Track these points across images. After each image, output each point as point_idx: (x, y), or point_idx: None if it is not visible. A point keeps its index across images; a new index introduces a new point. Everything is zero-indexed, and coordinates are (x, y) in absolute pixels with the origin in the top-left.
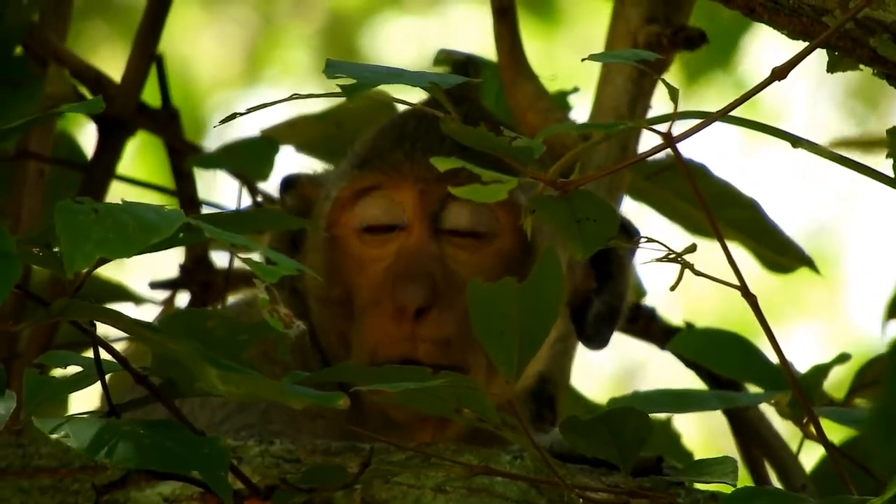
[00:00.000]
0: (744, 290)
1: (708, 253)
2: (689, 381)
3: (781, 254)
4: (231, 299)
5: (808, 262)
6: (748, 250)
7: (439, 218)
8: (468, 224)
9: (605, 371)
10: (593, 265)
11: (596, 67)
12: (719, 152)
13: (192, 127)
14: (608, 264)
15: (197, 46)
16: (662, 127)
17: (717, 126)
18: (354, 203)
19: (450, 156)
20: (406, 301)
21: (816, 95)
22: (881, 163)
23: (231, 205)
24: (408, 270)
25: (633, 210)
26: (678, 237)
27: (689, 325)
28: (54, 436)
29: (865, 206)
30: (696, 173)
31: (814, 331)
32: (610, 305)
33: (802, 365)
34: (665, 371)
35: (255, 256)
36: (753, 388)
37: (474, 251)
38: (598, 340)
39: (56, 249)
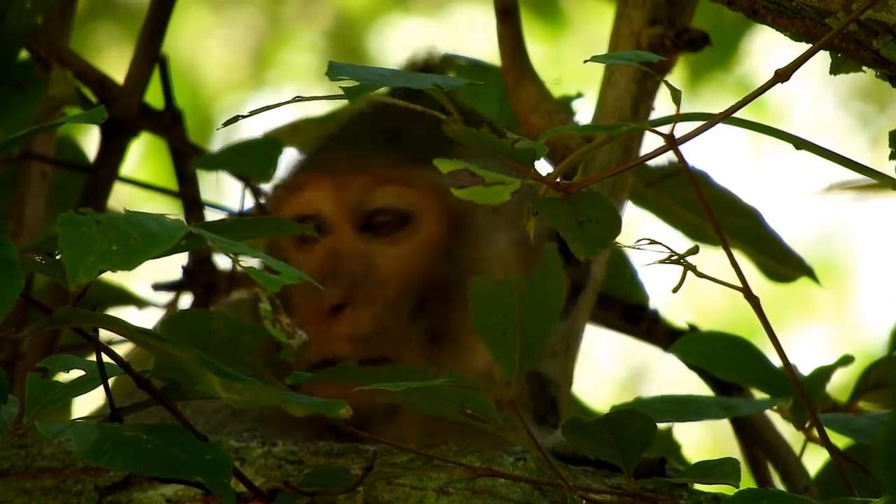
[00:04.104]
0: (746, 291)
1: (711, 259)
2: (695, 382)
3: (782, 263)
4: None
5: (808, 272)
6: (748, 258)
7: (361, 212)
8: (391, 215)
9: (609, 373)
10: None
11: (600, 70)
12: (725, 155)
13: (200, 129)
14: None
15: (204, 49)
16: (665, 129)
17: (722, 128)
18: (282, 207)
19: (375, 148)
20: (320, 300)
21: (822, 97)
22: (884, 164)
23: (235, 206)
24: (322, 269)
25: (635, 216)
26: (680, 243)
27: (693, 328)
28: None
29: (874, 209)
30: (697, 181)
31: (821, 334)
32: (573, 281)
33: (809, 369)
34: (671, 373)
35: (257, 264)
36: (757, 392)
37: (399, 242)
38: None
39: (59, 256)
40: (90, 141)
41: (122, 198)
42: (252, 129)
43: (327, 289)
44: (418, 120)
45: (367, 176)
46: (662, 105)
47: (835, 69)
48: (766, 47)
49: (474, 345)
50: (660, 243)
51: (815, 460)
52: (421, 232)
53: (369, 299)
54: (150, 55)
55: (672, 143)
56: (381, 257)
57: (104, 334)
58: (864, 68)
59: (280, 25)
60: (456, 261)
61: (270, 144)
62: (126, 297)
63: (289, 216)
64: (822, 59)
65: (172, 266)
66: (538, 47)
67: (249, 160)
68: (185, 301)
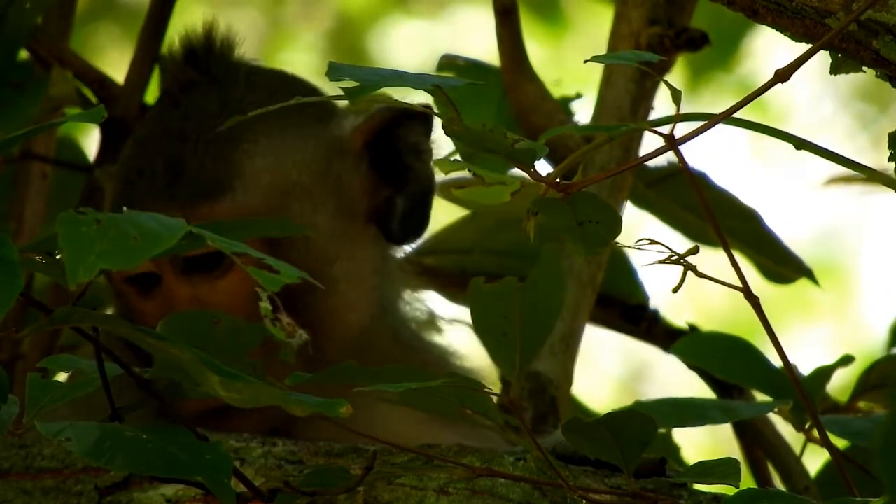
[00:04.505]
0: (746, 292)
1: (711, 260)
2: (695, 382)
3: (781, 264)
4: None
5: (807, 273)
6: (748, 260)
7: (176, 259)
8: (203, 252)
9: (609, 373)
10: (377, 170)
11: (600, 70)
12: (725, 155)
13: None
14: (397, 158)
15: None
16: (665, 129)
17: (722, 129)
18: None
19: (163, 194)
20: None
21: (823, 97)
22: (885, 164)
23: None
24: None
25: (635, 216)
26: (680, 244)
27: (693, 328)
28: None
29: (875, 208)
30: (697, 181)
31: (821, 335)
32: (415, 198)
33: (809, 369)
34: (671, 373)
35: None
36: (757, 393)
37: (222, 274)
38: (411, 235)
39: (59, 256)
40: (90, 141)
41: None
42: None
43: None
44: (192, 150)
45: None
46: (662, 105)
47: (835, 69)
48: (767, 47)
49: (339, 317)
50: (660, 243)
51: (815, 460)
52: (236, 267)
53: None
54: (150, 55)
55: (672, 143)
56: (209, 294)
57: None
58: (864, 68)
59: (280, 26)
60: (278, 251)
61: None
62: None
63: (125, 276)
64: (823, 59)
65: None
66: (538, 48)
67: None
68: None
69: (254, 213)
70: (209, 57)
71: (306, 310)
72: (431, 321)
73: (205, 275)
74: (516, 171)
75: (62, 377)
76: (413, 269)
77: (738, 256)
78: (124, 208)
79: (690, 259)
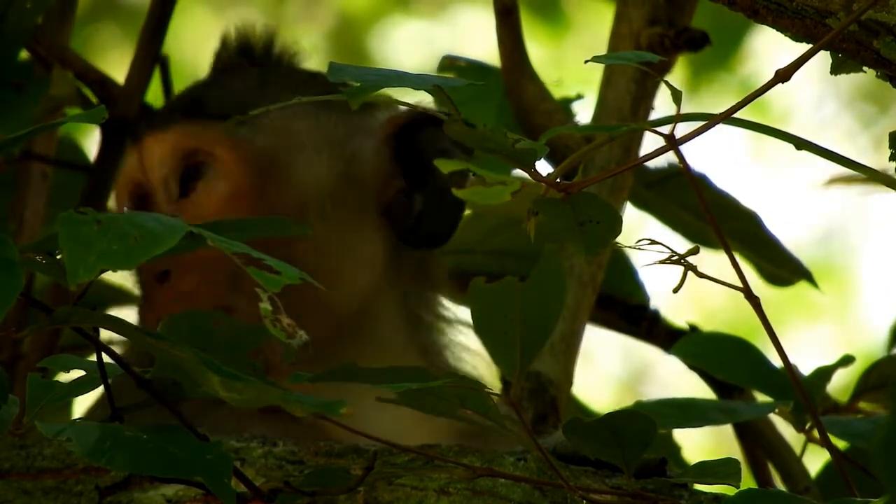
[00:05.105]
0: (747, 292)
1: (711, 261)
2: (695, 383)
3: (780, 266)
4: None
5: (806, 276)
6: (747, 262)
7: (172, 180)
8: (198, 175)
9: (609, 373)
10: (401, 162)
11: (601, 71)
12: (725, 156)
13: None
14: (422, 159)
15: (205, 50)
16: (665, 129)
17: (723, 129)
18: (120, 195)
19: (171, 118)
20: (143, 272)
21: (824, 97)
22: (886, 165)
23: None
24: None
25: (635, 217)
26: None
27: (693, 328)
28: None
29: (875, 209)
30: (697, 183)
31: (822, 335)
32: (435, 202)
33: (810, 369)
34: (672, 373)
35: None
36: (758, 393)
37: (209, 199)
38: (429, 239)
39: (59, 256)
40: (91, 141)
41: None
42: None
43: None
44: (216, 82)
45: (163, 144)
46: (663, 105)
47: (835, 69)
48: (768, 48)
49: (330, 279)
50: (660, 244)
51: (815, 461)
52: (227, 184)
53: (191, 259)
54: (150, 55)
55: (672, 143)
56: (193, 217)
57: (104, 334)
58: (865, 68)
59: (281, 26)
60: (272, 203)
61: None
62: (126, 297)
63: (123, 199)
64: (824, 59)
65: None
66: (539, 48)
67: None
68: None
69: (254, 147)
70: (257, 49)
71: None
72: (449, 324)
73: (192, 197)
74: (517, 172)
75: (62, 377)
76: (441, 272)
77: (737, 258)
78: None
79: (691, 259)
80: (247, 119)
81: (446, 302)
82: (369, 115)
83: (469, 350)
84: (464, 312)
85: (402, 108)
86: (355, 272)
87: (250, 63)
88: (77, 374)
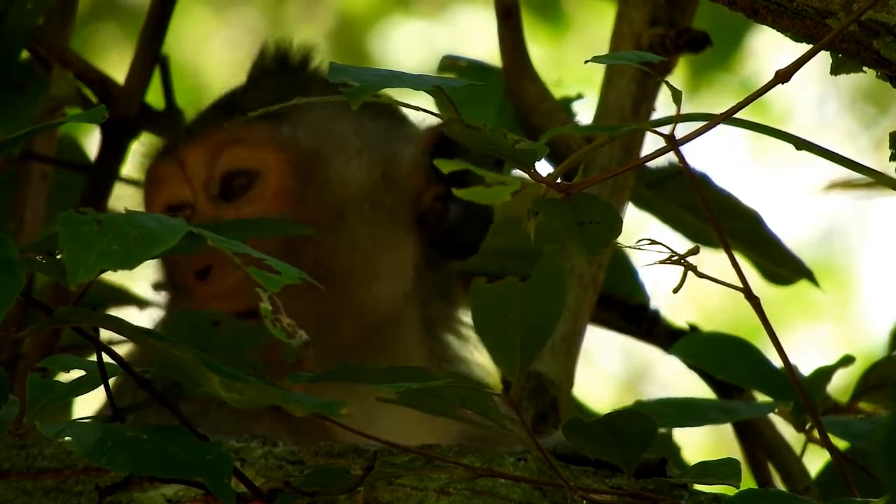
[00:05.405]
0: (747, 292)
1: (711, 261)
2: (696, 382)
3: (781, 265)
4: None
5: (807, 275)
6: (748, 261)
7: (212, 183)
8: (241, 178)
9: (609, 373)
10: (438, 173)
11: (602, 71)
12: (726, 156)
13: None
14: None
15: (205, 50)
16: (666, 129)
17: (723, 129)
18: (152, 200)
19: (211, 121)
20: (184, 269)
21: (824, 98)
22: (887, 166)
23: None
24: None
25: (636, 217)
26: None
27: (693, 328)
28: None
29: (875, 209)
30: (698, 182)
31: (822, 335)
32: (470, 215)
33: (810, 370)
34: (672, 373)
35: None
36: (758, 393)
37: (252, 200)
38: (462, 250)
39: (59, 256)
40: (91, 141)
41: (122, 197)
42: None
43: (191, 256)
44: (253, 87)
45: (205, 148)
46: (663, 106)
47: (835, 69)
48: (768, 48)
49: (365, 282)
50: (660, 244)
51: (816, 461)
52: (271, 185)
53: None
54: (150, 55)
55: (673, 143)
56: (237, 217)
57: (104, 334)
58: (865, 69)
59: (281, 26)
60: (313, 203)
61: None
62: (126, 297)
63: (158, 208)
64: (824, 59)
65: None
66: (539, 49)
67: None
68: None
69: (294, 144)
70: (294, 61)
71: (336, 267)
72: (463, 340)
73: (236, 200)
74: (517, 172)
75: (62, 377)
76: (459, 288)
77: (738, 257)
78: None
79: (691, 259)
80: (287, 116)
81: (463, 317)
82: (410, 124)
83: (480, 365)
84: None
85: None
86: (389, 276)
87: (285, 70)
88: (77, 374)
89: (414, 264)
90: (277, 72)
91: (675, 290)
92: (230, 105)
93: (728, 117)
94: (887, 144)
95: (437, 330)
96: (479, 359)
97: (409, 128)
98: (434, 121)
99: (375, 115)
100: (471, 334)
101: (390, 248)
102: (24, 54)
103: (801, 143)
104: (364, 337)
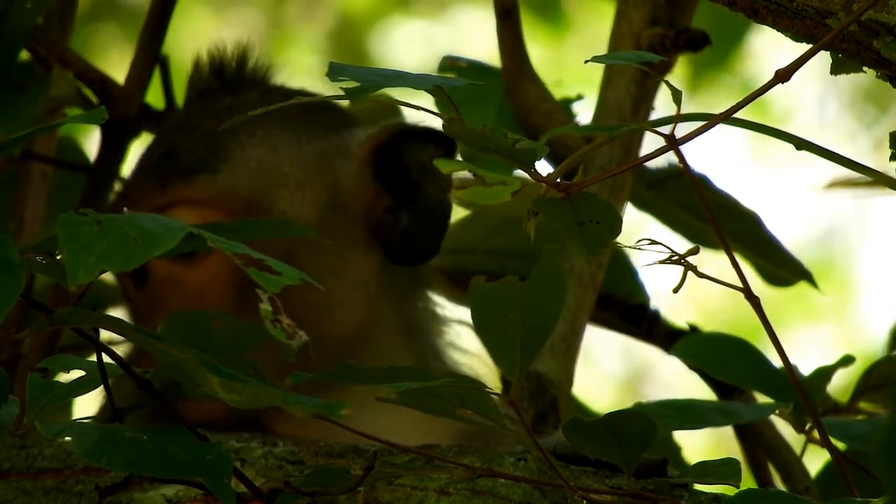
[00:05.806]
0: (747, 292)
1: (711, 261)
2: (695, 383)
3: (781, 267)
4: None
5: (807, 276)
6: (747, 262)
7: None
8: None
9: (609, 373)
10: (381, 180)
11: (601, 71)
12: (725, 156)
13: None
14: (406, 173)
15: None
16: (665, 129)
17: (723, 129)
18: None
19: (149, 181)
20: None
21: (824, 98)
22: (887, 166)
23: None
24: (150, 305)
25: (635, 217)
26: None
27: (693, 328)
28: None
29: (876, 209)
30: (697, 183)
31: (822, 335)
32: (424, 219)
33: (810, 370)
34: (672, 373)
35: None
36: (758, 394)
37: (204, 257)
38: (415, 255)
39: (59, 257)
40: (91, 141)
41: None
42: None
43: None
44: (188, 128)
45: (148, 210)
46: (663, 106)
47: (835, 70)
48: (768, 48)
49: (327, 312)
50: (660, 244)
51: (816, 461)
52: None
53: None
54: (150, 55)
55: (672, 143)
56: (192, 276)
57: (104, 334)
58: (865, 69)
59: (281, 26)
60: (260, 244)
61: None
62: None
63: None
64: (824, 59)
65: None
66: (539, 48)
67: None
68: None
69: (235, 195)
70: (230, 69)
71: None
72: (445, 325)
73: (188, 258)
74: (517, 172)
75: (62, 377)
76: (432, 272)
77: (737, 258)
78: (124, 209)
79: (691, 259)
80: (225, 160)
81: (440, 300)
82: (348, 134)
83: (467, 352)
84: (464, 312)
85: (380, 125)
86: (351, 300)
87: (222, 86)
88: (77, 374)
89: (377, 277)
90: (212, 91)
91: (675, 291)
92: (165, 157)
93: (728, 117)
94: (887, 144)
95: (416, 326)
96: (464, 348)
97: (349, 138)
98: (372, 128)
99: (311, 138)
100: (456, 325)
101: (348, 273)
102: (24, 54)
103: (801, 143)
104: (337, 355)
